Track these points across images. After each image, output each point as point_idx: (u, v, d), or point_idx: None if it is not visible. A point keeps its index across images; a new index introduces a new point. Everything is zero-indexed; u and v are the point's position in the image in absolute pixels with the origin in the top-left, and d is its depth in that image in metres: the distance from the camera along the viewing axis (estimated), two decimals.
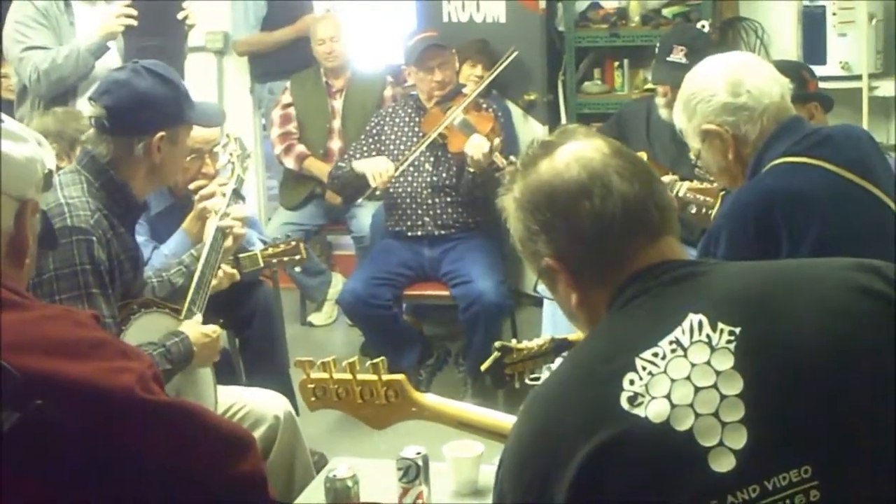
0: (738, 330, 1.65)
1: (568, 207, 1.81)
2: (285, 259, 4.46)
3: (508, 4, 6.42)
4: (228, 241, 3.72)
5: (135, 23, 5.06)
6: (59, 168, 3.28)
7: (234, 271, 3.93)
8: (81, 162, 3.31)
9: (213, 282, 3.67)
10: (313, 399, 2.80)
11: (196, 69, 6.98)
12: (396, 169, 5.51)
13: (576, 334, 3.11)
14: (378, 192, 5.64)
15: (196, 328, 3.41)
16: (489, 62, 6.11)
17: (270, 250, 4.43)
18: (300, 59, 6.77)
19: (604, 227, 1.79)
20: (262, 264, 4.39)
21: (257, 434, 3.52)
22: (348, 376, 2.76)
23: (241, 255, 4.29)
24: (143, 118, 3.29)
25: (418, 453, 2.96)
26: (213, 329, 3.47)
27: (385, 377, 2.74)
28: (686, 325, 1.67)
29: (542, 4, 6.39)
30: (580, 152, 1.82)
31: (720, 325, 1.66)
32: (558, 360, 3.11)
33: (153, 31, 5.17)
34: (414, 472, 2.92)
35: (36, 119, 4.57)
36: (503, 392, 5.17)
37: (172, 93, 3.34)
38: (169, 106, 3.32)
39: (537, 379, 3.19)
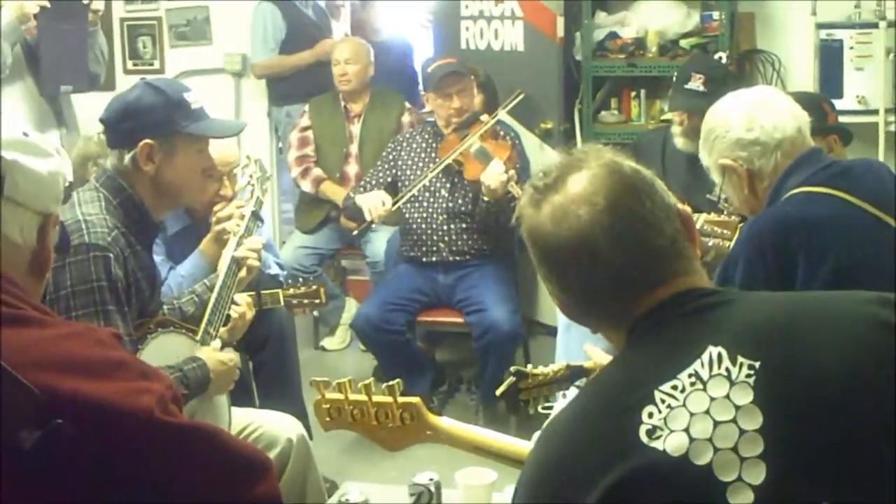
0: (757, 364, 1.64)
1: (558, 270, 1.83)
2: (305, 302, 4.50)
3: (526, 33, 6.42)
4: (243, 272, 3.70)
5: (48, 4, 5.04)
6: None
7: (250, 300, 3.90)
8: (100, 180, 3.31)
9: (235, 315, 3.68)
10: (328, 419, 2.79)
11: (214, 91, 7.04)
12: (396, 202, 5.53)
13: (591, 362, 3.10)
14: (375, 227, 5.68)
15: (214, 355, 3.39)
16: (490, 96, 6.11)
17: (292, 291, 4.48)
18: (318, 82, 6.79)
19: (592, 292, 1.81)
20: (282, 304, 4.44)
21: (270, 456, 3.50)
22: (364, 397, 2.75)
23: (263, 292, 4.32)
24: (128, 127, 3.28)
25: (431, 479, 2.96)
26: (230, 356, 3.45)
27: (401, 399, 2.72)
28: (705, 357, 1.66)
29: (560, 33, 6.40)
30: (574, 205, 1.79)
31: (740, 359, 1.65)
32: (573, 388, 3.10)
33: (64, 16, 5.18)
34: (426, 499, 2.92)
35: (80, 143, 4.56)
36: (515, 420, 5.16)
37: (160, 101, 3.28)
38: (154, 114, 3.26)
39: (551, 407, 3.18)
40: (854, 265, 2.85)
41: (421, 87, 6.27)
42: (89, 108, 3.46)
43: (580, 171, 1.83)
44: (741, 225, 3.64)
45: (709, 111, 3.16)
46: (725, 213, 3.90)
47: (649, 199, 1.81)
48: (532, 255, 1.87)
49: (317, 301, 4.54)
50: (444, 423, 2.77)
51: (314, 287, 4.52)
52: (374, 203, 5.53)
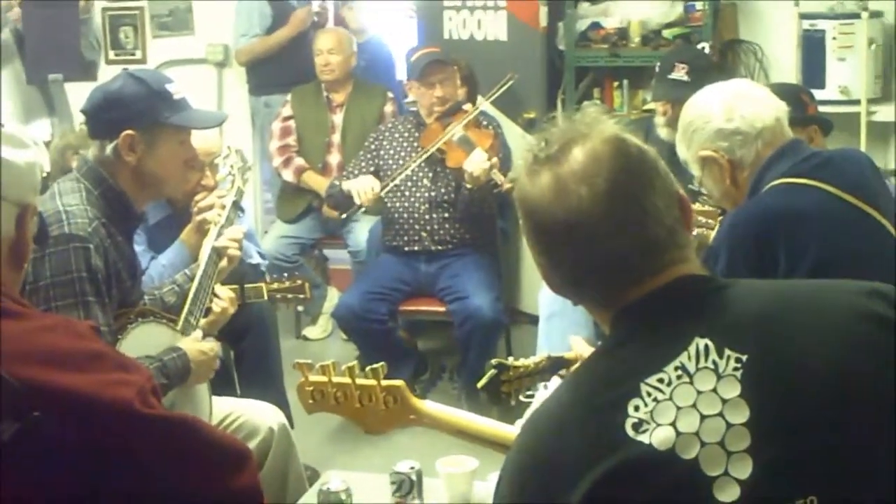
0: (744, 357, 1.61)
1: (549, 244, 1.77)
2: (289, 297, 4.49)
3: (509, 23, 6.42)
4: (223, 262, 3.68)
5: None
6: None
7: (233, 294, 3.88)
8: (81, 170, 3.30)
9: (217, 308, 3.67)
10: (311, 402, 2.76)
11: (196, 81, 7.02)
12: (384, 187, 5.52)
13: (572, 352, 3.10)
14: (364, 210, 5.67)
15: (194, 345, 3.38)
16: (473, 89, 6.10)
17: (276, 285, 4.47)
18: (297, 72, 6.77)
19: (583, 273, 1.75)
20: (265, 297, 4.43)
21: (251, 445, 3.50)
22: (347, 380, 2.72)
23: (246, 286, 4.31)
24: (109, 117, 3.26)
25: (412, 468, 2.96)
26: (211, 346, 3.45)
27: (384, 382, 2.70)
28: (692, 350, 1.63)
29: (543, 23, 6.40)
30: (575, 183, 1.71)
31: (727, 352, 1.62)
32: (554, 378, 3.10)
33: (50, 2, 5.13)
34: (407, 487, 2.92)
35: (58, 135, 4.54)
36: (497, 409, 5.16)
37: (142, 92, 3.25)
38: (136, 104, 3.24)
39: (532, 396, 3.18)
40: (836, 256, 2.86)
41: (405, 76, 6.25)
42: (83, 98, 3.43)
43: (583, 144, 1.74)
44: (721, 217, 3.65)
45: (685, 105, 3.16)
46: (706, 206, 3.90)
47: (652, 187, 1.75)
48: (522, 225, 1.80)
49: (301, 296, 4.54)
50: (428, 406, 2.75)
51: (298, 282, 4.51)
52: (364, 187, 5.52)
